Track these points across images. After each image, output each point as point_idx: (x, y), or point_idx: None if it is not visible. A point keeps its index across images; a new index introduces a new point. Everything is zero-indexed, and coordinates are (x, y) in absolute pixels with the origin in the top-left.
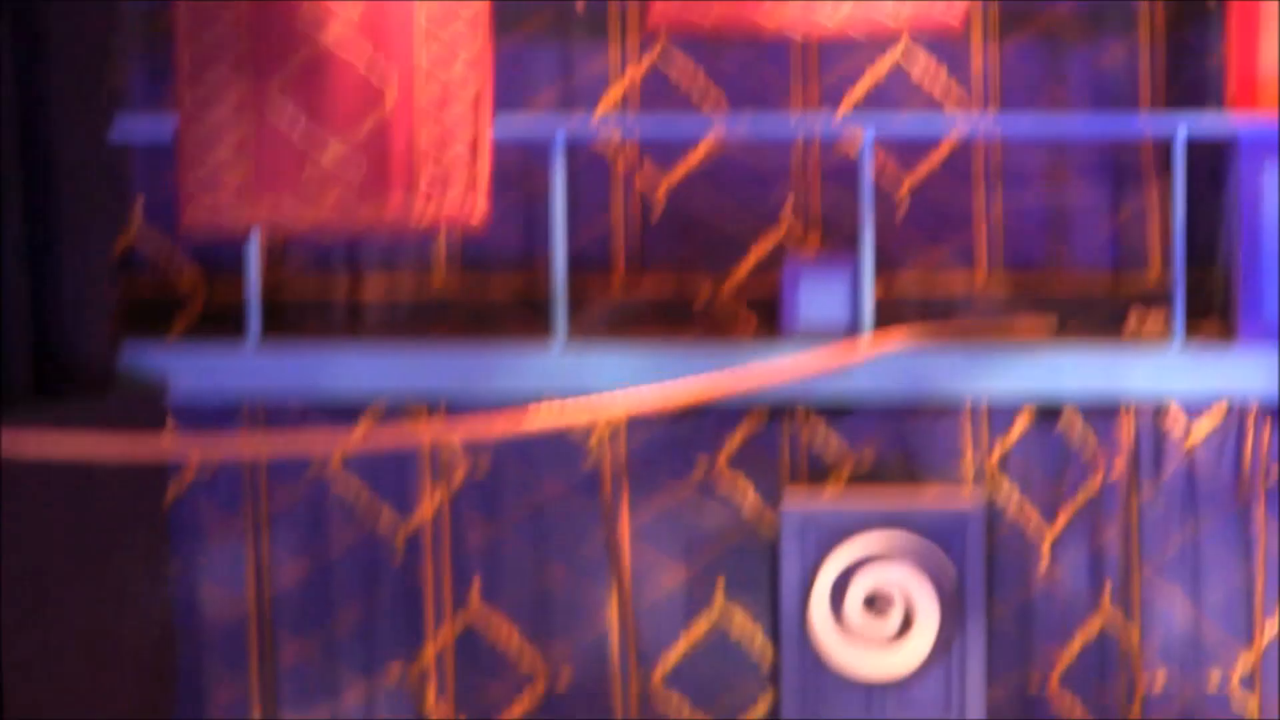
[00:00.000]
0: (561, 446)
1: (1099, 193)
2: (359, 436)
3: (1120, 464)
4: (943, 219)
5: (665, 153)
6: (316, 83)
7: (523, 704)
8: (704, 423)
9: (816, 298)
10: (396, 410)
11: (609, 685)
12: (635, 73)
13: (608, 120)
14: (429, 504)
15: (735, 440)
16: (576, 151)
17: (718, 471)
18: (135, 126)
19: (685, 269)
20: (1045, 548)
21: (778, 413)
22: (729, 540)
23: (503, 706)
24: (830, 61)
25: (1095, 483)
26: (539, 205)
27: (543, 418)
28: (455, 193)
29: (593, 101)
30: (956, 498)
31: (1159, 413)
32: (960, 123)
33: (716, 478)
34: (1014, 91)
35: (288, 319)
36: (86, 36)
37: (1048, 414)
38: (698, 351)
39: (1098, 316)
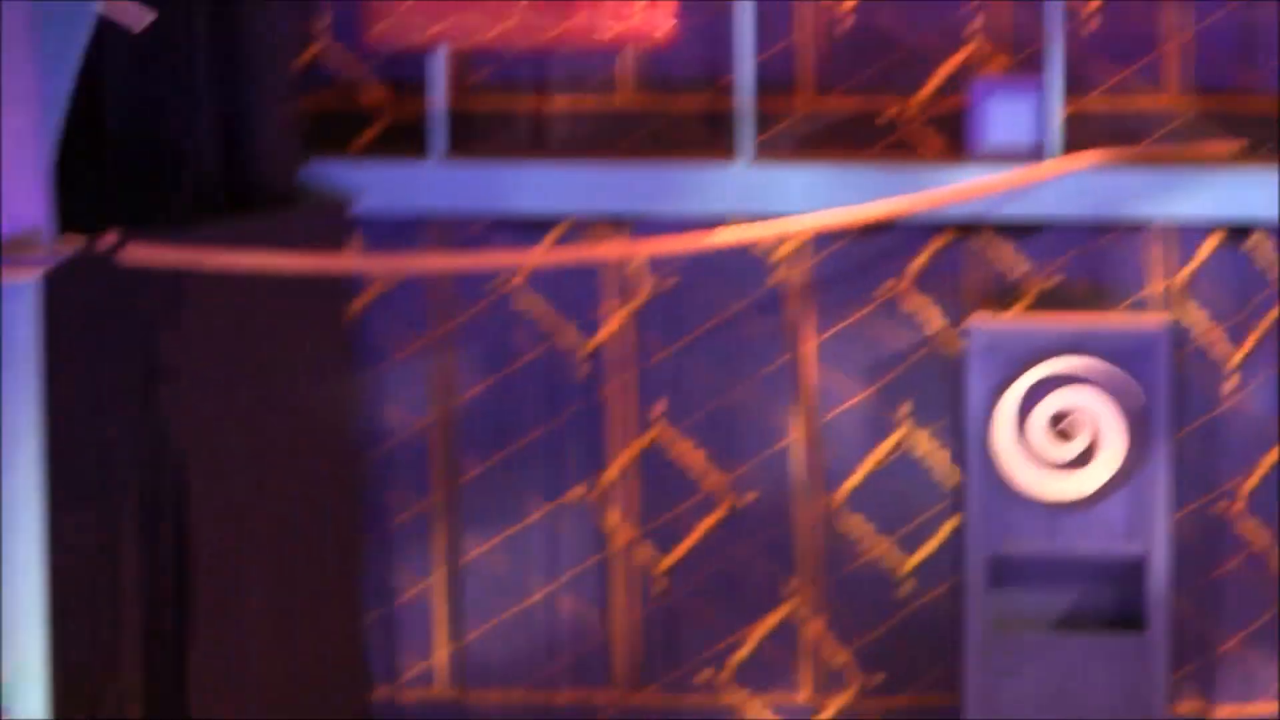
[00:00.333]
0: (745, 265)
1: None
2: (543, 253)
3: None
4: (1132, 38)
5: None
6: None
7: (704, 524)
8: (889, 242)
9: (1003, 117)
10: (580, 228)
11: (791, 506)
12: None
13: None
14: (612, 322)
15: (920, 260)
16: None
17: (902, 292)
18: None
19: (871, 87)
20: (1232, 371)
21: (963, 233)
22: (913, 361)
23: (685, 526)
24: None
25: None
26: (724, 21)
27: (727, 236)
28: (641, 7)
29: None
30: (1143, 320)
31: None
32: None
33: (901, 298)
34: None
35: (472, 135)
36: None
37: (1236, 236)
38: (883, 170)
39: None
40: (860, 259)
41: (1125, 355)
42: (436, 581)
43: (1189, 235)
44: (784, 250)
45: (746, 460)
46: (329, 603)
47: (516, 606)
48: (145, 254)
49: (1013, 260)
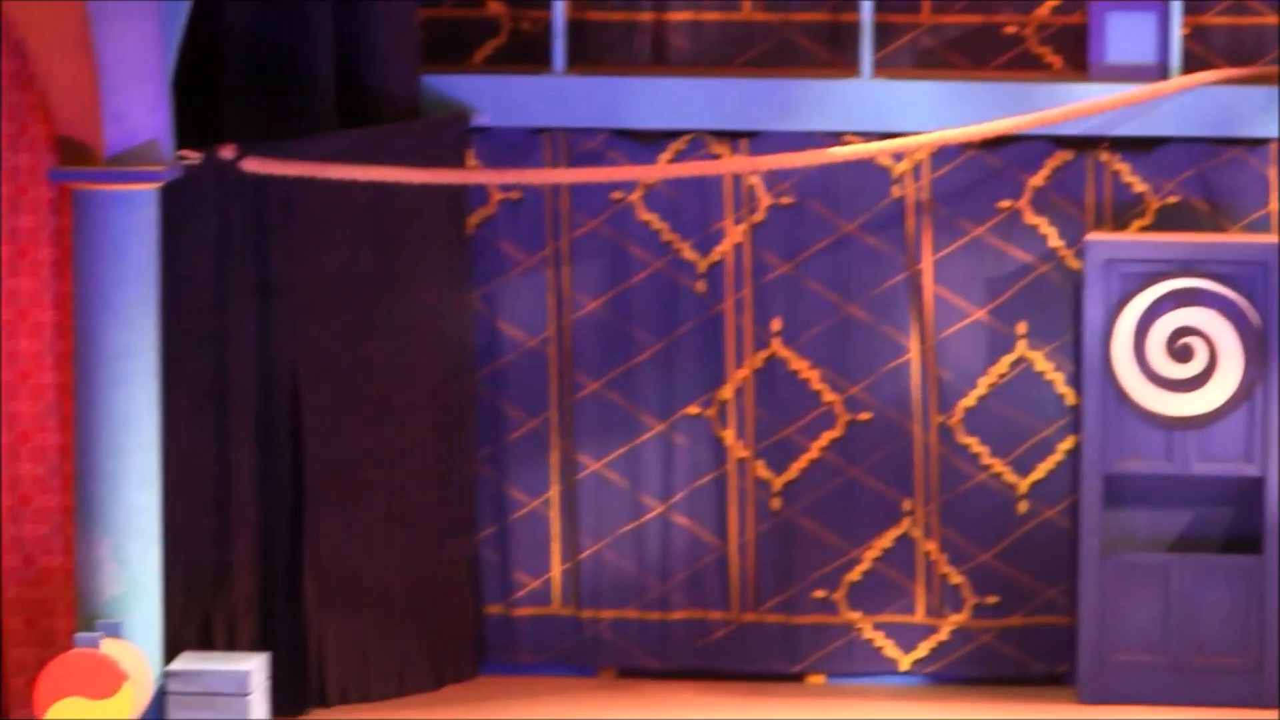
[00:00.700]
0: (864, 181)
1: None
2: (661, 168)
3: None
4: None
5: None
6: None
7: (820, 442)
8: (1008, 159)
9: (1123, 33)
10: (700, 142)
11: (908, 423)
12: None
13: None
14: (730, 238)
15: (1039, 178)
16: None
17: (1021, 209)
18: None
19: (992, 3)
20: None
21: (1082, 150)
22: (1031, 280)
23: (801, 442)
24: None
25: None
26: None
27: (846, 151)
28: None
29: None
30: (1261, 239)
31: None
32: None
33: (1019, 215)
34: None
35: (593, 49)
36: None
37: None
38: (1003, 87)
39: None
40: (979, 176)
41: (1243, 275)
42: (551, 498)
43: None
44: (902, 166)
45: (863, 378)
46: (443, 519)
47: (631, 524)
48: (262, 166)
49: (1131, 178)
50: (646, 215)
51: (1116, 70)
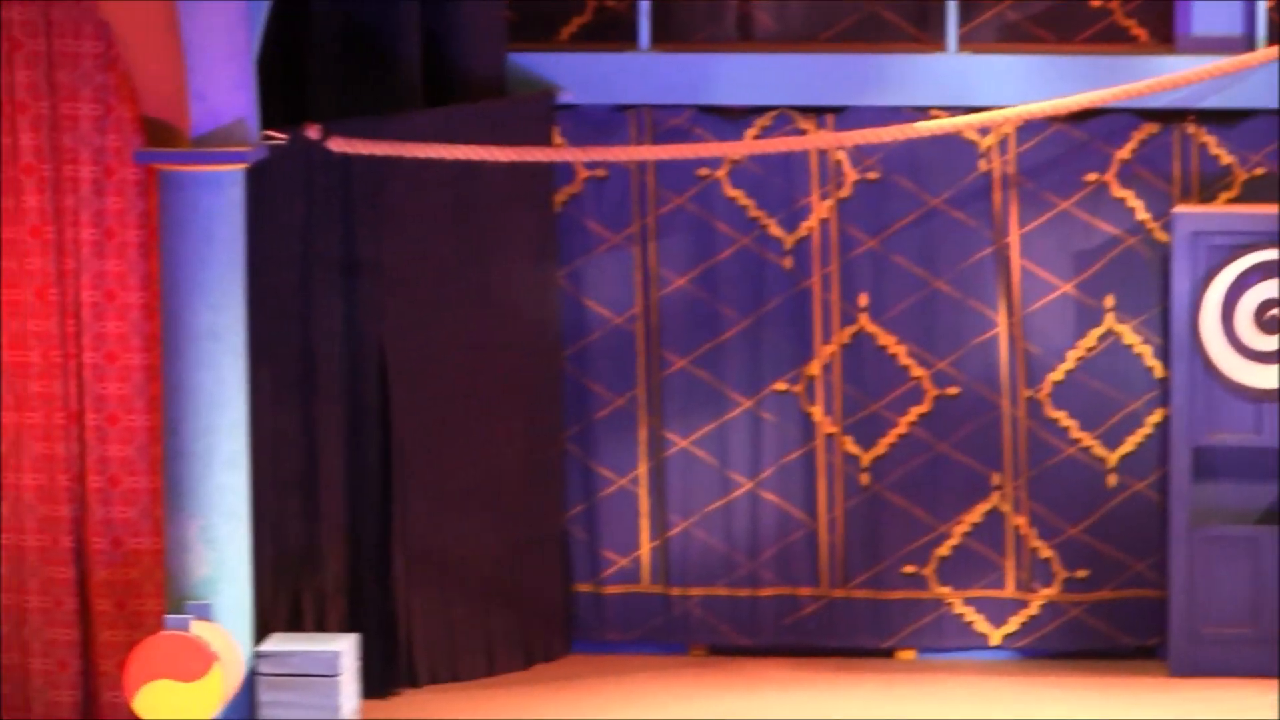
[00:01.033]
0: (950, 156)
1: None
2: (747, 144)
3: None
4: None
5: None
6: None
7: (908, 418)
8: (1094, 132)
9: (1210, 6)
10: (785, 117)
11: (997, 397)
12: None
13: None
14: (816, 214)
15: (1126, 150)
16: None
17: (1107, 182)
18: None
19: None
20: None
21: (1169, 122)
22: (1118, 252)
23: (889, 417)
24: None
25: None
26: None
27: (932, 126)
28: None
29: None
30: None
31: None
32: None
33: (1106, 188)
34: None
35: (678, 25)
36: None
37: None
38: (1089, 60)
39: None
40: (1065, 149)
41: None
42: (639, 476)
43: None
44: (989, 141)
45: (950, 353)
46: (531, 497)
47: (719, 501)
48: (348, 145)
49: (1218, 150)
50: (733, 192)
51: (1202, 42)
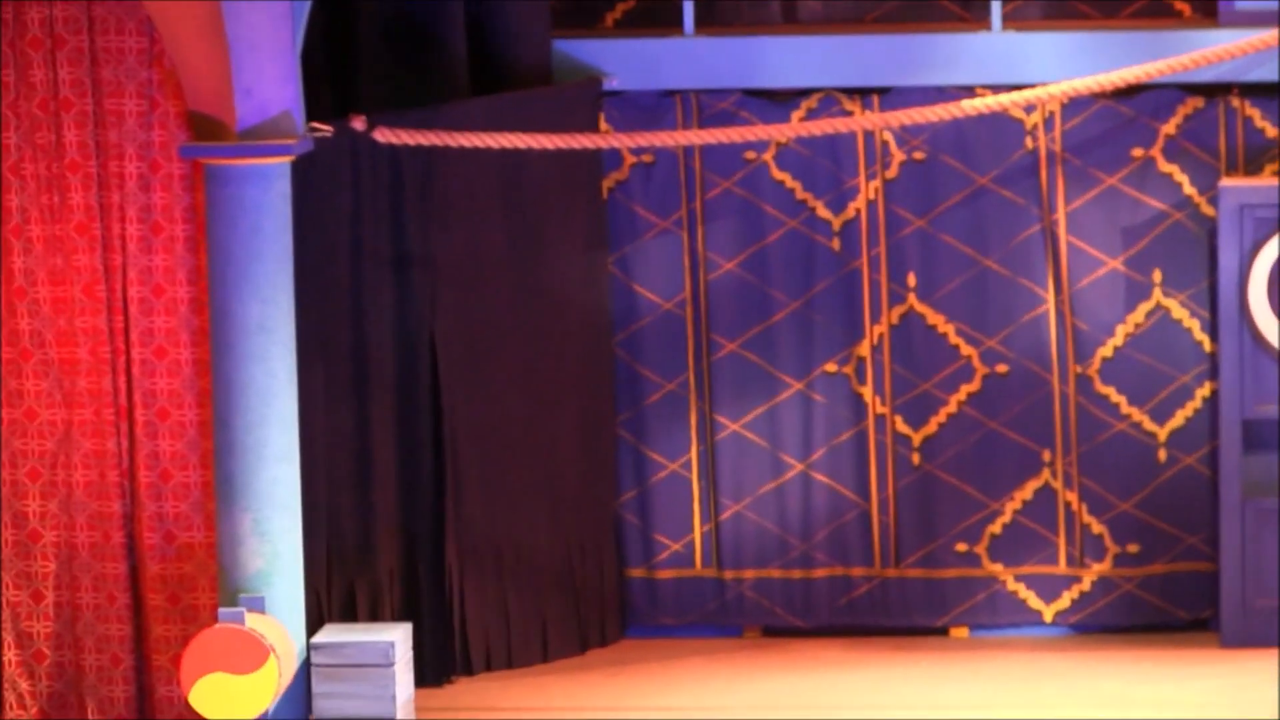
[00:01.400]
0: (996, 134)
1: None
2: (794, 126)
3: None
4: None
5: None
6: None
7: (958, 396)
8: (1139, 108)
9: None
10: (831, 99)
11: (1046, 374)
12: None
13: None
14: (863, 194)
15: (1171, 125)
16: None
17: (1153, 157)
18: None
19: None
20: None
21: (1213, 97)
22: (1165, 227)
23: (940, 396)
24: None
25: None
26: None
27: (977, 105)
28: None
29: None
30: None
31: None
32: None
33: (1152, 164)
34: None
35: (722, 9)
36: None
37: None
38: (1133, 35)
39: None
40: (1111, 125)
41: None
42: (690, 460)
43: None
44: (1034, 118)
45: (999, 331)
46: (584, 484)
47: (771, 483)
48: (393, 136)
49: (1263, 123)
50: (779, 174)
51: (1246, 15)
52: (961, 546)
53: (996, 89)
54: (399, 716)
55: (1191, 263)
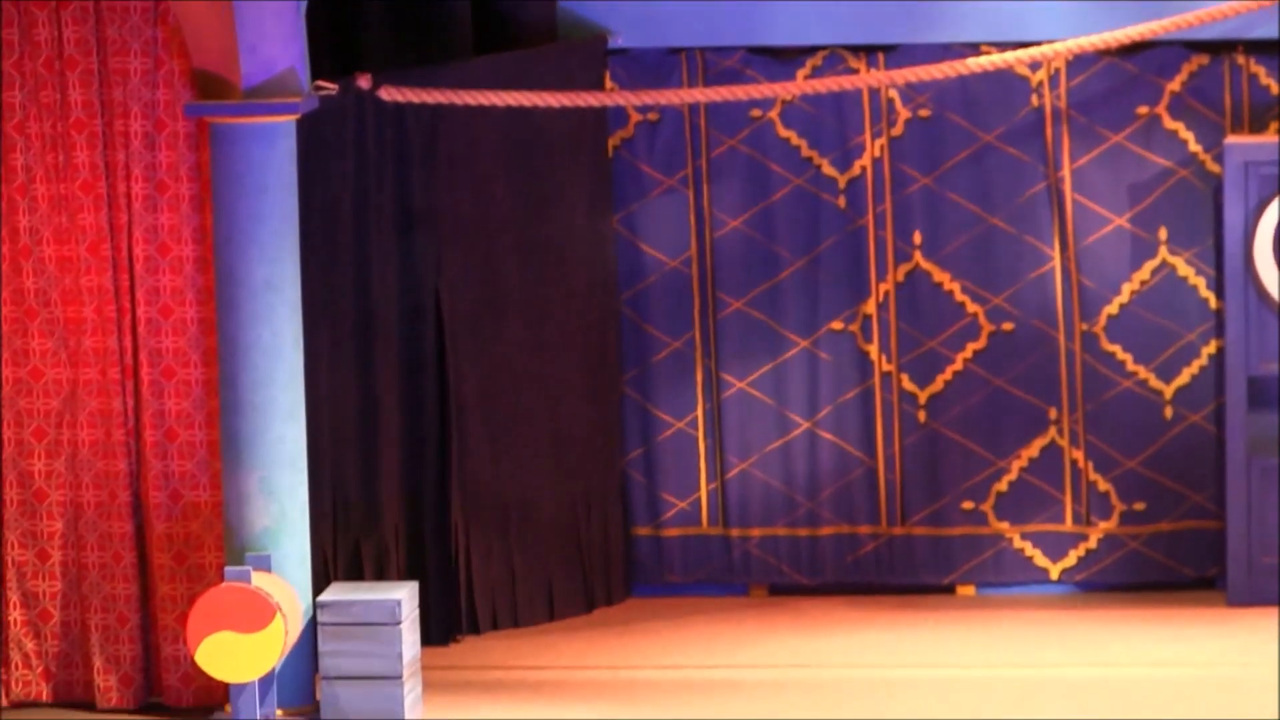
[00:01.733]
0: (1001, 92)
1: None
2: (800, 83)
3: None
4: None
5: None
6: None
7: (964, 354)
8: (1144, 65)
9: None
10: (837, 57)
11: (1052, 332)
12: None
13: None
14: (870, 151)
15: (1176, 83)
16: None
17: (1159, 114)
18: None
19: None
20: None
21: (1218, 54)
22: (1170, 185)
23: (946, 354)
24: None
25: None
26: None
27: (982, 62)
28: None
29: None
30: None
31: None
32: None
33: (1158, 121)
34: None
35: None
36: None
37: None
38: None
39: None
40: (1116, 83)
41: None
42: (696, 418)
43: None
44: (1040, 75)
45: (1005, 289)
46: (590, 442)
47: (777, 441)
48: (399, 94)
49: (1268, 80)
50: (785, 132)
51: None
52: (968, 504)
53: (1002, 46)
54: (405, 675)
55: (1197, 220)
